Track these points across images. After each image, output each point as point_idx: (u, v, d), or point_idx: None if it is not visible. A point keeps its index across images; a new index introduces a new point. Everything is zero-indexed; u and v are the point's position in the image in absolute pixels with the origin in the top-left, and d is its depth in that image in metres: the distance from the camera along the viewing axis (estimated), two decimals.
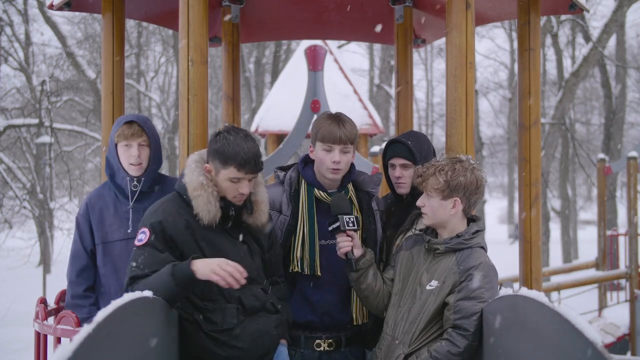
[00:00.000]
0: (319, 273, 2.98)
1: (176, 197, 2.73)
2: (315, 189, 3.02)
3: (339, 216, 2.82)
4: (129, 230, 3.13)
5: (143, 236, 2.64)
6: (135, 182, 3.16)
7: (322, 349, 3.04)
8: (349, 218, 2.82)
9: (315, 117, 6.40)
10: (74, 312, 3.15)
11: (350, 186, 3.09)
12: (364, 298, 2.94)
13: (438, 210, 2.77)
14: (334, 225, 2.83)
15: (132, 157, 3.12)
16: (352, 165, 3.10)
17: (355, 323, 3.05)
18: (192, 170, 2.69)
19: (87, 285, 3.19)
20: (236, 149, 2.62)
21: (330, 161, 2.92)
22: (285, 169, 3.15)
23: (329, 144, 2.91)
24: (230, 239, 2.74)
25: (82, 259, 3.19)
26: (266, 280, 2.86)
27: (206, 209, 2.62)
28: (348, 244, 2.82)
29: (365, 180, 3.12)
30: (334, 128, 2.90)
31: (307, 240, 2.99)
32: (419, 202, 2.82)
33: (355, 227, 2.82)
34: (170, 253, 2.63)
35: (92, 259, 3.20)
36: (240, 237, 2.76)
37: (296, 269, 2.98)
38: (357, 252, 2.85)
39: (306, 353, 3.03)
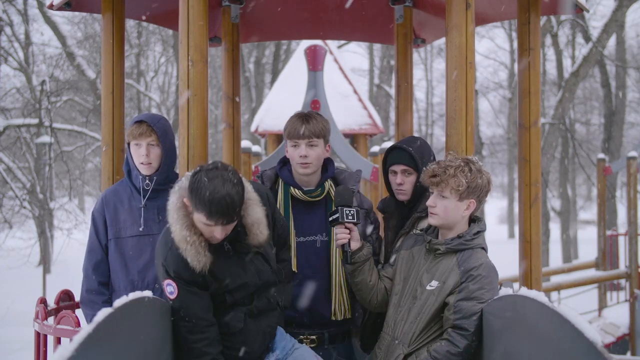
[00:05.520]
0: (294, 269, 3.04)
1: (174, 242, 2.62)
2: (292, 188, 3.08)
3: (339, 208, 2.84)
4: (140, 228, 3.20)
5: (172, 288, 2.61)
6: (147, 181, 3.21)
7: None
8: (349, 210, 2.83)
9: None
10: (87, 309, 3.20)
11: (329, 183, 3.14)
12: (357, 291, 2.95)
13: (452, 212, 2.74)
14: (334, 217, 2.85)
15: (141, 157, 3.18)
16: (330, 162, 3.17)
17: (334, 319, 3.09)
18: (174, 221, 2.57)
19: (102, 280, 3.24)
20: (207, 196, 2.43)
21: (297, 156, 3.02)
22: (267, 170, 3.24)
23: (294, 140, 3.02)
24: (243, 256, 2.72)
25: (98, 254, 3.24)
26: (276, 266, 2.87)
27: (196, 260, 2.54)
28: (345, 236, 2.85)
29: (346, 177, 3.18)
30: (297, 125, 3.02)
31: None
32: (429, 202, 2.78)
33: (355, 220, 2.84)
34: (199, 288, 2.63)
35: (107, 254, 3.25)
36: (251, 254, 2.72)
37: None
38: (354, 245, 2.87)
39: None
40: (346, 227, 2.85)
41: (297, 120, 3.03)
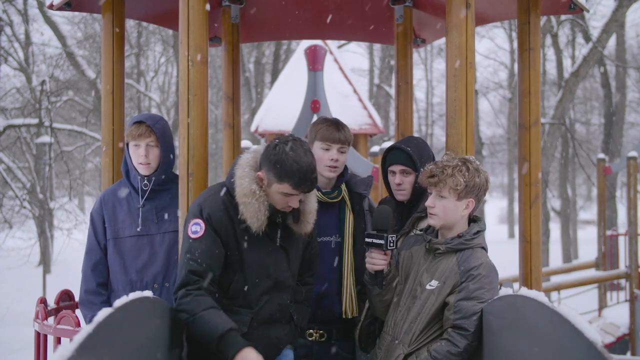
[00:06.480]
0: None
1: (225, 193, 2.68)
2: None
3: (385, 235, 2.71)
4: (138, 229, 3.20)
5: (198, 228, 2.63)
6: (145, 182, 3.22)
7: (314, 339, 3.17)
8: (392, 237, 2.74)
9: (315, 117, 6.40)
10: (85, 309, 3.20)
11: (343, 187, 3.24)
12: (381, 309, 2.91)
13: (451, 212, 2.74)
14: (376, 241, 2.73)
15: (140, 157, 3.18)
16: (345, 167, 3.25)
17: (345, 316, 3.17)
18: (244, 175, 2.63)
19: (101, 281, 3.24)
20: (294, 166, 2.54)
21: (328, 159, 3.11)
22: None
23: (328, 142, 3.11)
24: (270, 242, 2.74)
25: (97, 254, 3.25)
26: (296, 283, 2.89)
27: (255, 217, 2.60)
28: (384, 262, 2.77)
29: (358, 182, 3.29)
30: (333, 129, 3.13)
31: None
32: (429, 203, 2.77)
33: (394, 247, 2.78)
34: (222, 243, 2.66)
35: (106, 254, 3.26)
36: (278, 241, 2.75)
37: None
38: (386, 269, 2.81)
39: (300, 342, 3.09)
40: (385, 254, 2.77)
41: (332, 125, 3.14)
